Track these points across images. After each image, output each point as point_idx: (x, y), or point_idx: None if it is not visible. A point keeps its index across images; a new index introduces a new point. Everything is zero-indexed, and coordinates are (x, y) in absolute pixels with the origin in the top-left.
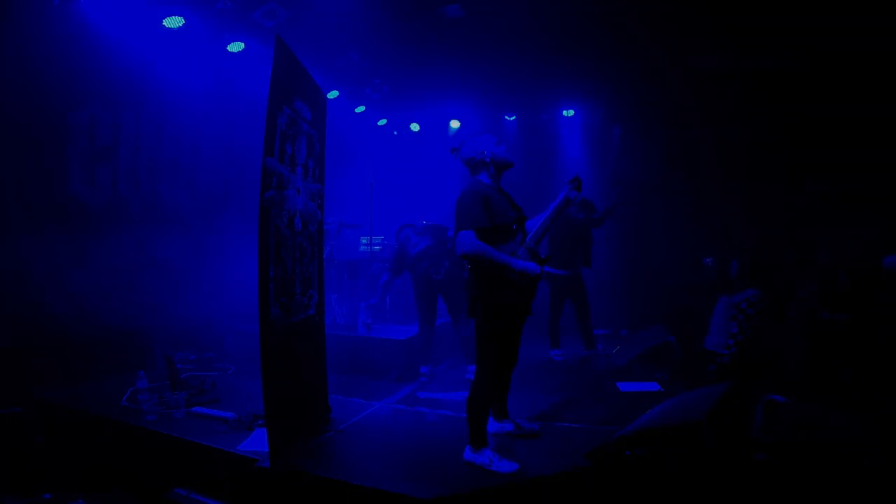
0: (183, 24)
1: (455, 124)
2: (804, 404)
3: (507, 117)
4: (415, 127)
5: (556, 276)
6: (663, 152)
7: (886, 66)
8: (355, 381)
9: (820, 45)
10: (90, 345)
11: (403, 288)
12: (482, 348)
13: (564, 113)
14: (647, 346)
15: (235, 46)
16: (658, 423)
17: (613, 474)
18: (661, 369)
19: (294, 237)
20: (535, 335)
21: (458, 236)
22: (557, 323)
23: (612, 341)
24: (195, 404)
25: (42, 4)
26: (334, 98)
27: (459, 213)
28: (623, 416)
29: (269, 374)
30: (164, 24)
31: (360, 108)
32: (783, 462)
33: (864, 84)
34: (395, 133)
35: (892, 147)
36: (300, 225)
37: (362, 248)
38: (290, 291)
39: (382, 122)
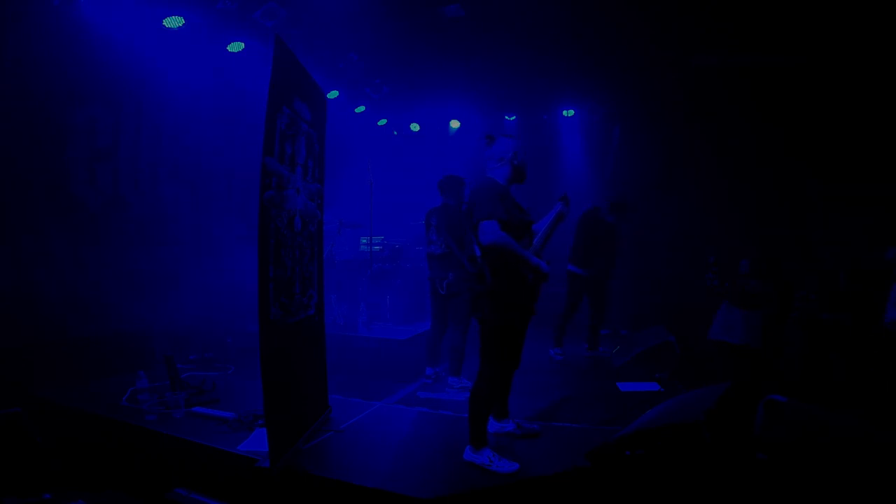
0: (183, 24)
1: (455, 124)
2: (804, 404)
3: (507, 117)
4: (415, 127)
5: (576, 275)
6: (663, 152)
7: (888, 66)
8: (355, 381)
9: (822, 43)
10: (90, 345)
11: (404, 288)
12: (486, 348)
13: (564, 113)
14: (647, 346)
15: (235, 46)
16: (658, 422)
17: (613, 474)
18: (661, 369)
19: (294, 237)
20: (535, 335)
21: (481, 225)
22: (567, 321)
23: (612, 341)
24: (195, 404)
25: (42, 4)
26: (334, 98)
27: (479, 204)
28: (623, 416)
29: (269, 374)
30: (165, 24)
31: (360, 108)
32: (783, 462)
33: (865, 84)
34: (395, 133)
35: (893, 148)
36: (300, 225)
37: (362, 248)
38: (289, 291)
39: (382, 122)
